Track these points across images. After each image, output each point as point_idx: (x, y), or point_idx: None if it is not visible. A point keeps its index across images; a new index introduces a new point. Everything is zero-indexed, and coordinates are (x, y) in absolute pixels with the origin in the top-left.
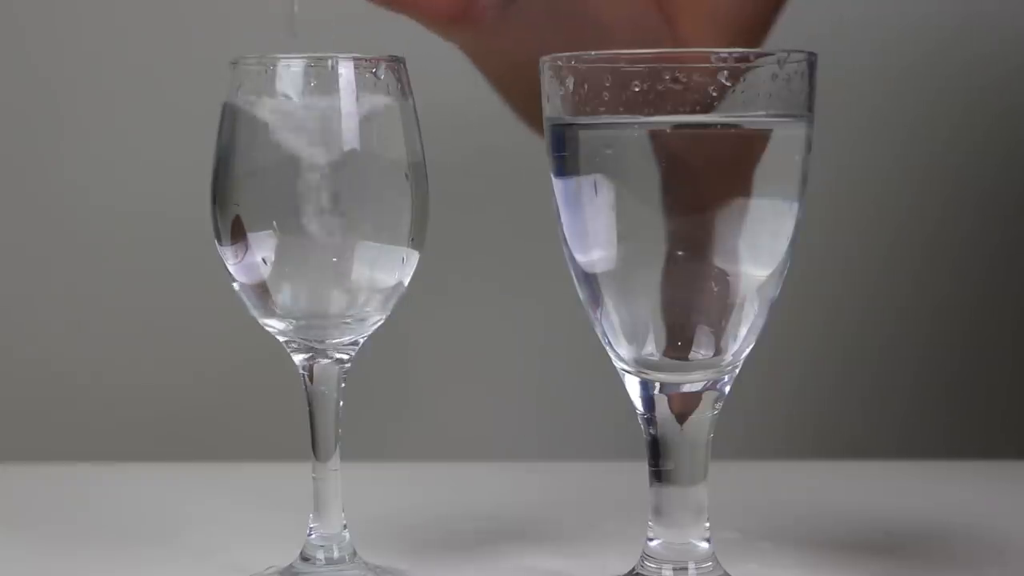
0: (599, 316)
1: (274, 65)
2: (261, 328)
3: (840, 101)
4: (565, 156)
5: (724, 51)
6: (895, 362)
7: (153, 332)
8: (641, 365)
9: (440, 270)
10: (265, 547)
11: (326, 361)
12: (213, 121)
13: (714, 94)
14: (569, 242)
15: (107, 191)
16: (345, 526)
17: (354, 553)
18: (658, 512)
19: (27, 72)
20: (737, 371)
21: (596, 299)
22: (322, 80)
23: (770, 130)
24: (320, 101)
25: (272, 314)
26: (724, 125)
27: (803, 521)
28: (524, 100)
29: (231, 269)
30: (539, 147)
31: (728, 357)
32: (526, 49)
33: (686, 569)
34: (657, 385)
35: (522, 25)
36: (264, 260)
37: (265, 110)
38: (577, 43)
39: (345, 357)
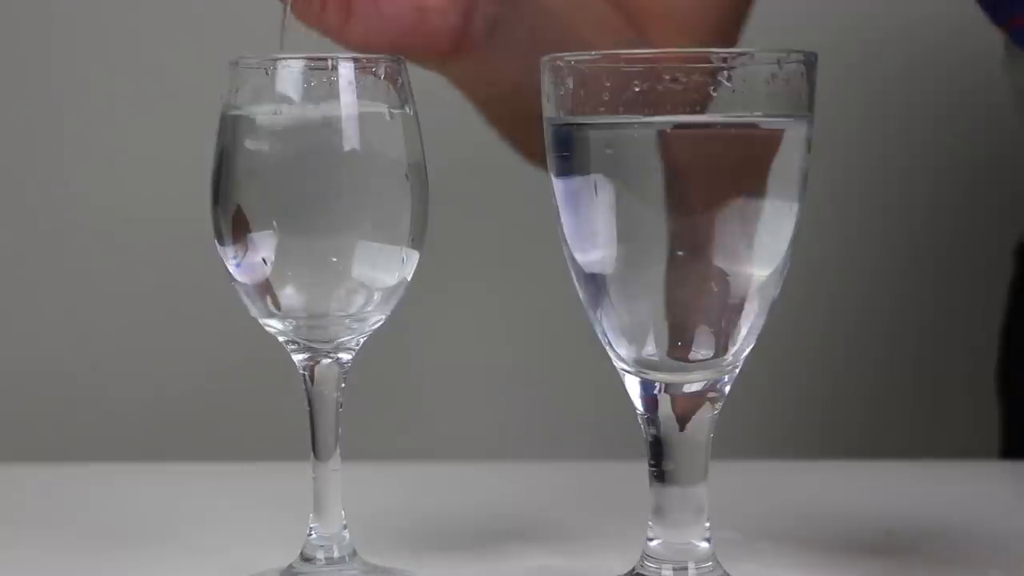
0: (599, 316)
1: (274, 65)
2: (261, 328)
3: (840, 101)
4: (565, 156)
5: (724, 51)
6: (895, 362)
7: (153, 332)
8: (641, 365)
9: (440, 270)
10: (265, 547)
11: (326, 361)
12: (213, 121)
13: (714, 94)
14: (569, 242)
15: (107, 191)
16: (345, 526)
17: (354, 553)
18: (658, 512)
19: (27, 72)
20: (737, 371)
21: (596, 299)
22: (322, 80)
23: (770, 130)
24: (320, 101)
25: (272, 314)
26: (724, 125)
27: (803, 521)
28: (510, 125)
29: (231, 269)
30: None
31: (728, 357)
32: (510, 74)
33: (686, 569)
34: (657, 385)
35: (505, 50)
36: (264, 260)
37: (265, 110)
38: None
39: (345, 357)
